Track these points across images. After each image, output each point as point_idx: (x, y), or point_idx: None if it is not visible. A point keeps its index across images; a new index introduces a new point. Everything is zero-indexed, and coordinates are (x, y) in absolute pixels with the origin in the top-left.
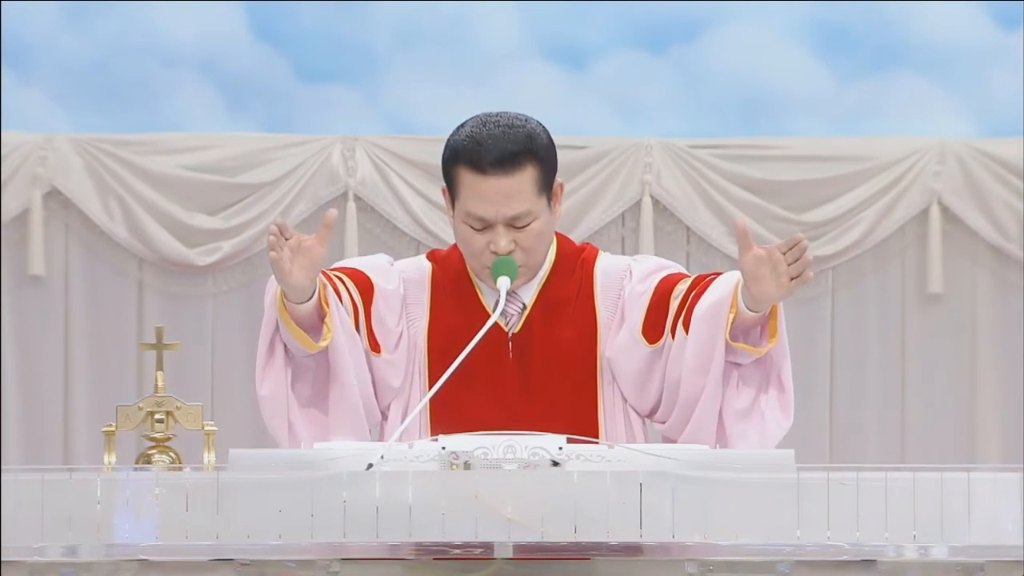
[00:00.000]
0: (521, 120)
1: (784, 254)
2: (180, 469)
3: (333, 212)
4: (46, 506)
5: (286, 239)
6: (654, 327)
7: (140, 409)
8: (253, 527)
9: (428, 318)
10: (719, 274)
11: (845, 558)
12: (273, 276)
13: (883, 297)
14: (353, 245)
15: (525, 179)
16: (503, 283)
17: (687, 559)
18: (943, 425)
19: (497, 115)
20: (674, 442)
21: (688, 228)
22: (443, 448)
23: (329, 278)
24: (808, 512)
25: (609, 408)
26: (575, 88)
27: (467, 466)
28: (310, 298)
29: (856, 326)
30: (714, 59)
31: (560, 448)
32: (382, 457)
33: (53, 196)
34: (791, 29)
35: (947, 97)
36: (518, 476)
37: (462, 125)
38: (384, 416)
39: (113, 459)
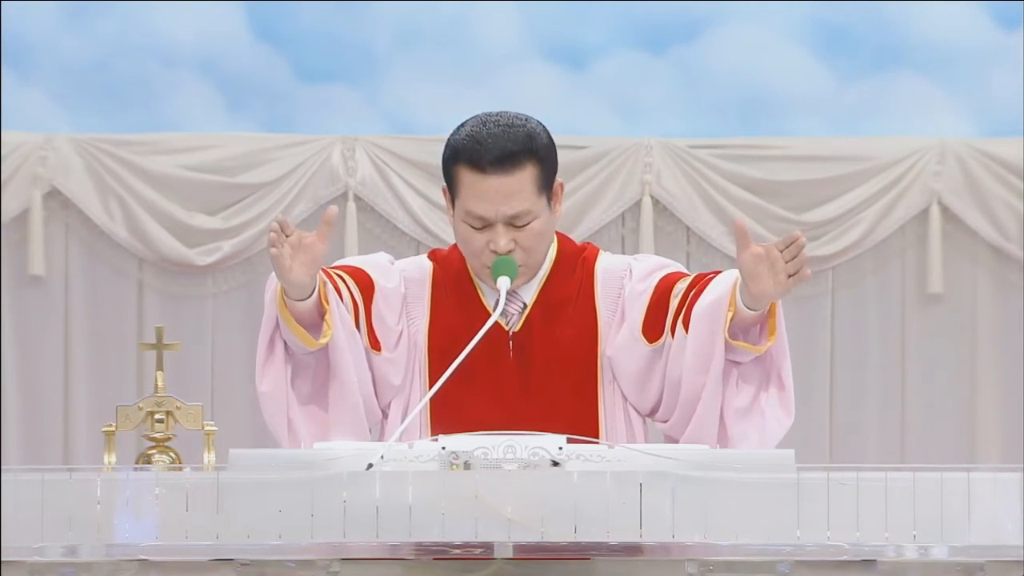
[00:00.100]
0: (521, 120)
1: (781, 252)
2: (180, 469)
3: (334, 209)
4: (46, 506)
5: (287, 236)
6: (654, 326)
7: (140, 409)
8: (253, 527)
9: (429, 317)
10: (719, 272)
11: (845, 558)
12: (273, 273)
13: (883, 297)
14: (353, 245)
15: (525, 178)
16: (503, 283)
17: (687, 559)
18: (943, 425)
19: (497, 115)
20: (676, 441)
21: (688, 228)
22: (443, 448)
23: (329, 276)
24: (808, 512)
25: (609, 407)
26: (575, 88)
27: (467, 466)
28: (310, 295)
29: (856, 326)
30: (714, 59)
31: (560, 448)
32: (382, 457)
33: (53, 196)
34: (791, 29)
35: (947, 97)
36: (518, 476)
37: (462, 125)
38: (384, 415)
39: (113, 459)
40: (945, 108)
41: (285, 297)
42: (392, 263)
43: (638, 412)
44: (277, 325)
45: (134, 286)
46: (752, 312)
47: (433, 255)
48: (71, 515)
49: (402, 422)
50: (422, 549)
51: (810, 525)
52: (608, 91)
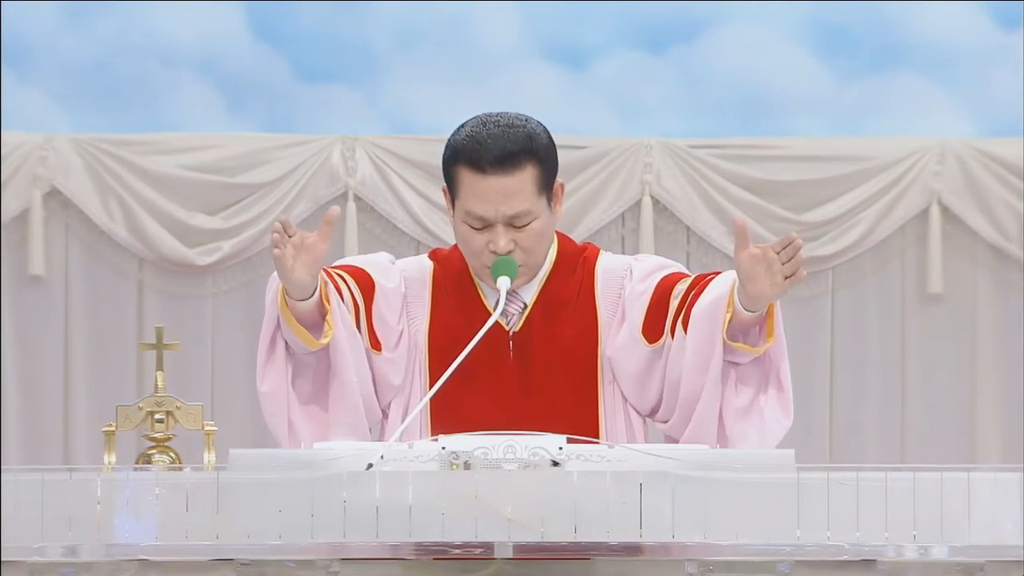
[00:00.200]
0: (521, 120)
1: (778, 253)
2: (180, 469)
3: (336, 209)
4: (46, 506)
5: (289, 236)
6: (654, 326)
7: (140, 409)
8: (253, 527)
9: (429, 317)
10: (718, 273)
11: (845, 558)
12: (274, 273)
13: (883, 297)
14: (353, 245)
15: (525, 179)
16: (503, 283)
17: (687, 559)
18: (943, 425)
19: (497, 115)
20: (676, 441)
21: (688, 228)
22: (443, 448)
23: (330, 276)
24: (808, 512)
25: (610, 407)
26: (575, 88)
27: (467, 466)
28: (311, 295)
29: (856, 326)
30: (714, 59)
31: (560, 448)
32: (382, 457)
33: (53, 196)
34: (791, 29)
35: (947, 97)
36: (518, 476)
37: (462, 125)
38: (384, 415)
39: (113, 459)
40: (945, 108)
41: (287, 297)
42: (393, 263)
43: (638, 412)
44: (278, 325)
45: (134, 286)
46: (750, 313)
47: (434, 255)
48: (71, 515)
49: (402, 422)
50: (422, 549)
51: (810, 525)
52: (608, 91)
